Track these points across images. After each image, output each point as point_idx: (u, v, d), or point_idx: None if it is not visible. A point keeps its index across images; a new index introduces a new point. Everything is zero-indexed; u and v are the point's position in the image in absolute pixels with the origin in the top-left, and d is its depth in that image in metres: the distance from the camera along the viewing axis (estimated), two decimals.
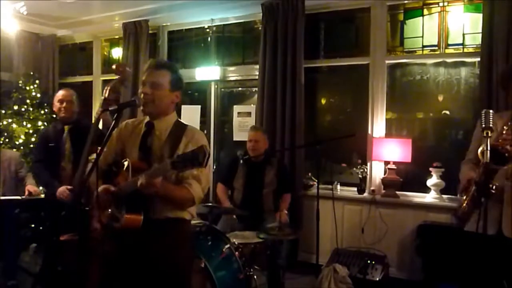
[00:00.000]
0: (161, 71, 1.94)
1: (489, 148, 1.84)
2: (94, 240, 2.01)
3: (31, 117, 5.38)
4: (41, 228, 3.36)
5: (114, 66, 2.86)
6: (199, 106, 5.20)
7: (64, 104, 3.21)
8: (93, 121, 2.92)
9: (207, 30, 5.23)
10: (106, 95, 2.80)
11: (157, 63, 2.00)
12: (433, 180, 3.80)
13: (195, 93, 5.39)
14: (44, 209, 3.43)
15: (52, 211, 3.07)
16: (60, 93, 3.30)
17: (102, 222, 1.97)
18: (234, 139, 4.87)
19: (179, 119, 2.06)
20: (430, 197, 3.83)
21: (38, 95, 5.58)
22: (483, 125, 1.91)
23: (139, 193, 1.80)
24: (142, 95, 1.93)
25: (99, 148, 1.86)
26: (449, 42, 3.95)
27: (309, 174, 4.45)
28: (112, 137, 2.04)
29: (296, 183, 4.18)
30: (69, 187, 3.01)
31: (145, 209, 1.89)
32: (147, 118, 2.02)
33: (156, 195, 1.83)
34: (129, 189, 1.84)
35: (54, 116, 5.27)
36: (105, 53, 6.18)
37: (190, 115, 5.09)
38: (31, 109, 5.43)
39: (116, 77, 2.86)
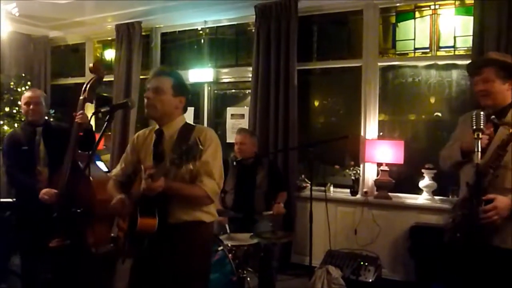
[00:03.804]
0: (163, 77, 2.00)
1: (479, 150, 1.86)
2: (117, 249, 2.01)
3: (22, 119, 5.32)
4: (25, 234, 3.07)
5: (90, 65, 2.86)
6: (192, 108, 5.18)
7: (32, 106, 2.99)
8: (76, 129, 2.74)
9: (200, 32, 5.22)
10: (86, 95, 2.81)
11: (160, 70, 2.09)
12: (425, 181, 3.82)
13: (189, 95, 5.37)
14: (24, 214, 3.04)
15: (34, 216, 2.83)
16: (27, 95, 3.07)
17: (124, 230, 1.97)
18: (228, 141, 4.86)
19: (187, 122, 2.09)
20: (422, 199, 3.85)
21: None
22: (474, 127, 1.92)
23: (153, 197, 1.80)
24: (146, 100, 1.98)
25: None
26: (441, 45, 3.98)
27: (302, 176, 4.45)
28: (127, 151, 2.15)
29: (290, 185, 4.18)
30: (54, 190, 2.76)
31: (161, 213, 1.87)
32: (156, 126, 2.06)
33: (168, 197, 1.83)
34: (138, 194, 1.86)
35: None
36: (98, 54, 6.15)
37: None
38: (22, 110, 5.36)
39: (93, 76, 2.87)
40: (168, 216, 1.89)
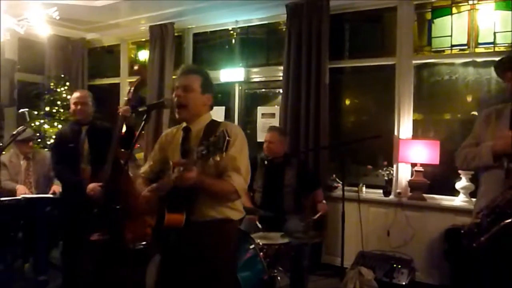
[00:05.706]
0: (192, 76, 2.04)
1: None
2: (146, 244, 2.05)
3: (61, 118, 5.55)
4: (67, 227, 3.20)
5: (135, 67, 3.03)
6: (223, 107, 5.25)
7: (79, 106, 3.17)
8: (119, 121, 2.92)
9: (232, 32, 5.27)
10: (130, 96, 2.95)
11: (188, 68, 2.11)
12: (462, 182, 3.70)
13: (219, 95, 5.44)
14: (69, 208, 3.22)
15: (78, 211, 2.98)
16: (75, 95, 3.24)
17: (152, 226, 2.00)
18: (258, 140, 4.88)
19: (214, 119, 2.13)
20: (459, 200, 3.73)
21: (69, 96, 5.71)
22: None
23: (181, 193, 1.82)
24: (175, 98, 2.01)
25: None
26: (479, 41, 3.84)
27: (334, 175, 4.40)
28: (155, 149, 2.17)
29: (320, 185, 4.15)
30: (99, 184, 2.89)
31: (188, 211, 1.89)
32: (184, 124, 2.10)
33: (197, 191, 1.84)
34: (166, 186, 1.87)
35: None
36: (132, 55, 6.32)
37: (214, 116, 5.07)
38: (62, 110, 5.59)
39: (137, 78, 3.03)
40: (195, 213, 1.90)
